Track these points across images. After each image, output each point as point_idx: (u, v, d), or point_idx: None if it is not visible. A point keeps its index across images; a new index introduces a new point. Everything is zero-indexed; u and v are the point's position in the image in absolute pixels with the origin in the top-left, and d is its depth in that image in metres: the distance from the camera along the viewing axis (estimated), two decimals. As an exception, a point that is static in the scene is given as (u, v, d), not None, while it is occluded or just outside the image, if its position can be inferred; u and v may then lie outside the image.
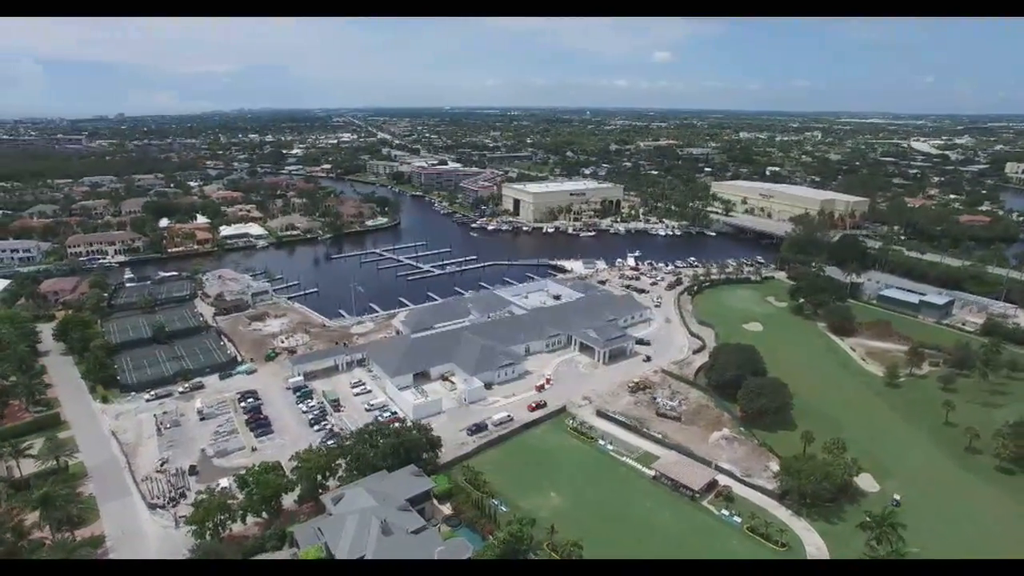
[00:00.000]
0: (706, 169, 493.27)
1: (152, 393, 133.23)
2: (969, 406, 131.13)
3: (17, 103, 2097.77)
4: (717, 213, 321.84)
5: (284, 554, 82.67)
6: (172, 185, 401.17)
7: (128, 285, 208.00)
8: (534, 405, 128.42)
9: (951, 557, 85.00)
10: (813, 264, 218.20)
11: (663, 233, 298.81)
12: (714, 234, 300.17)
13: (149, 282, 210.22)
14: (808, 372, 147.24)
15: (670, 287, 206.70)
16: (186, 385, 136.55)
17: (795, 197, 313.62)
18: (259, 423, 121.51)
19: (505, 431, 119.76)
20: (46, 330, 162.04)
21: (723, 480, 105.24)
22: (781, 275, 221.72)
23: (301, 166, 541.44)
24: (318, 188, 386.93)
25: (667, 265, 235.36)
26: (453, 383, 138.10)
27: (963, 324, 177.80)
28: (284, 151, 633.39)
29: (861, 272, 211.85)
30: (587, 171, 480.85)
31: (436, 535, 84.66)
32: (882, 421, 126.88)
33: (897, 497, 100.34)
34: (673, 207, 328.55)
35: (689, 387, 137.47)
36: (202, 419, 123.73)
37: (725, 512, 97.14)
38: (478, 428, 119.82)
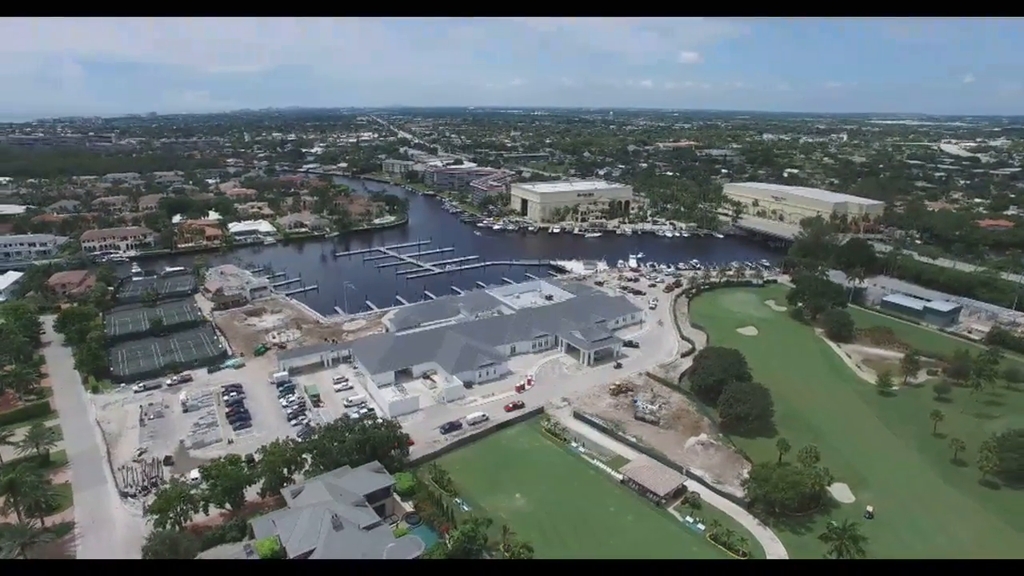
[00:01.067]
0: (723, 171, 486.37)
1: (141, 384, 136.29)
2: (963, 417, 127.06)
3: (60, 103, 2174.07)
4: (727, 215, 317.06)
5: (237, 548, 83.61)
6: (191, 182, 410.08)
7: (135, 279, 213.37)
8: (511, 405, 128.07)
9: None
10: (820, 267, 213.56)
11: (670, 235, 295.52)
12: (722, 236, 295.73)
13: (155, 277, 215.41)
14: (798, 378, 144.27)
15: (668, 289, 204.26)
16: (175, 377, 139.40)
17: (807, 200, 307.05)
18: (239, 416, 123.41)
19: (479, 430, 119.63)
20: (51, 322, 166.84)
21: (693, 487, 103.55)
22: (786, 279, 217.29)
23: (318, 164, 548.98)
24: (330, 186, 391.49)
25: (669, 267, 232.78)
26: (434, 382, 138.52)
27: (969, 332, 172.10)
28: (303, 149, 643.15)
29: (868, 277, 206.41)
30: (601, 171, 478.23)
31: (388, 531, 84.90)
32: (868, 430, 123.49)
33: (870, 509, 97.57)
34: (682, 208, 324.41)
35: (672, 391, 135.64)
36: (185, 411, 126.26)
37: (689, 519, 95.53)
38: (452, 427, 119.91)
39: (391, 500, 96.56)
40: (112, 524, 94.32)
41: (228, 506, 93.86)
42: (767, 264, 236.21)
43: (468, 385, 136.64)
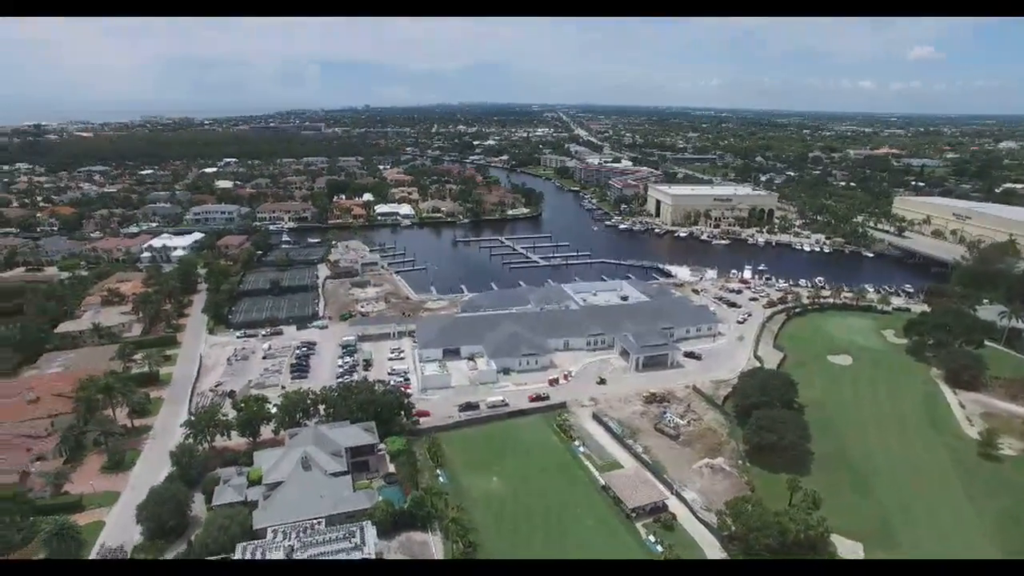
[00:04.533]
0: (914, 183, 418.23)
1: (242, 331, 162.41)
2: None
3: (300, 97, 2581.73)
4: (886, 232, 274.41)
5: (231, 470, 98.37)
6: (366, 168, 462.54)
7: (282, 246, 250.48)
8: (535, 396, 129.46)
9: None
10: (986, 300, 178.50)
11: (808, 248, 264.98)
12: (872, 255, 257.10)
13: (297, 245, 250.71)
14: (874, 419, 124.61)
15: (770, 304, 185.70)
16: (269, 329, 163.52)
17: (1001, 220, 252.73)
18: (300, 368, 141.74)
19: (494, 414, 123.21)
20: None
21: (679, 509, 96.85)
22: (924, 308, 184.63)
23: (483, 156, 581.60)
24: (478, 176, 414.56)
25: (787, 282, 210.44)
26: (476, 364, 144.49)
27: None
28: (475, 142, 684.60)
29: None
30: (764, 177, 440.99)
31: (348, 482, 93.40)
32: (935, 493, 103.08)
33: None
34: (832, 221, 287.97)
35: (709, 408, 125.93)
36: (264, 358, 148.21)
37: (652, 538, 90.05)
38: (469, 406, 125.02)
39: (376, 457, 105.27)
40: (172, 435, 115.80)
41: (250, 436, 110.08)
42: (910, 290, 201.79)
43: (506, 372, 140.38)
